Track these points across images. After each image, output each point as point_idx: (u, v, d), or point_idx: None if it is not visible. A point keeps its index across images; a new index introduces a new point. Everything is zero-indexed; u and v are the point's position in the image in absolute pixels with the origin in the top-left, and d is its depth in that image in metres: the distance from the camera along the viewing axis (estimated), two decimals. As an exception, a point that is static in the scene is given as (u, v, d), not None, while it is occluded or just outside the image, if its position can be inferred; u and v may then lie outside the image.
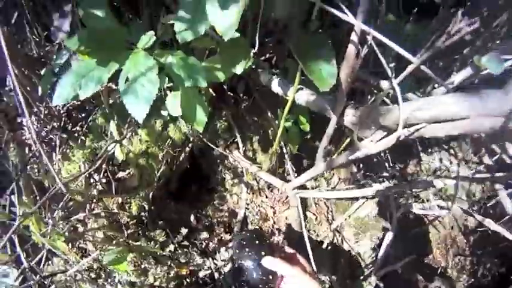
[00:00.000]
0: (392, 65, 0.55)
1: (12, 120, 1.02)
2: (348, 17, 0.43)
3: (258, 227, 0.99)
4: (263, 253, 0.66)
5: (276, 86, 0.69)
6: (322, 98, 0.58)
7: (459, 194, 1.20)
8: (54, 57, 0.80)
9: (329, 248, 0.96)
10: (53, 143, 0.96)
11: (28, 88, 0.88)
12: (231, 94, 0.89)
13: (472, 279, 1.33)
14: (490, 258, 1.38)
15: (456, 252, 1.27)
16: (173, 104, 0.65)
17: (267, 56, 0.86)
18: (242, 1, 0.43)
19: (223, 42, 0.50)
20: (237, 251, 0.68)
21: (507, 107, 0.37)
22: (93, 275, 0.97)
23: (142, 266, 0.91)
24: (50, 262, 1.02)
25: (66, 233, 0.88)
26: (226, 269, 0.95)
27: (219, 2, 0.44)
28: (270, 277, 0.65)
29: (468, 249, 1.30)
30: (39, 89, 0.84)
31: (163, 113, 0.85)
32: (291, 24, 0.62)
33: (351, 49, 0.46)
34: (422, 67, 0.45)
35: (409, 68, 0.41)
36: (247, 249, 0.67)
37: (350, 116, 0.58)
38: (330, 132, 0.60)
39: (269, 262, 0.66)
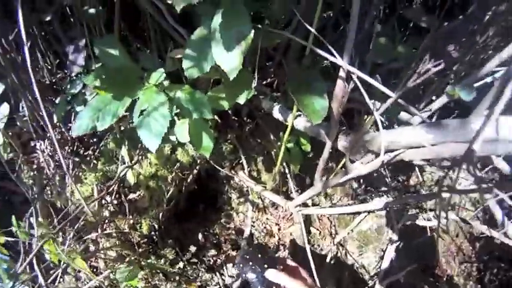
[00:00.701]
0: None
1: (26, 144, 1.08)
2: (336, 59, 0.49)
3: (262, 243, 1.04)
4: (266, 266, 0.70)
5: (276, 113, 0.74)
6: (317, 125, 0.64)
7: (463, 202, 1.23)
8: (68, 86, 0.87)
9: (333, 262, 1.00)
10: (66, 167, 1.03)
11: (40, 113, 0.95)
12: (235, 118, 0.94)
13: (479, 285, 1.35)
14: (497, 263, 1.40)
15: (462, 260, 1.29)
16: (181, 131, 0.71)
17: (268, 80, 0.92)
18: (245, 44, 0.49)
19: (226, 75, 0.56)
20: (241, 265, 0.72)
21: (464, 137, 0.42)
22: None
23: (153, 283, 0.96)
24: (61, 280, 1.07)
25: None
26: (234, 285, 1.00)
27: (224, 45, 0.50)
28: None
29: (474, 256, 1.31)
30: (54, 115, 0.91)
31: (172, 138, 0.91)
32: (287, 60, 0.68)
33: (339, 84, 0.51)
34: (400, 100, 0.50)
35: (388, 102, 0.46)
36: (250, 263, 0.71)
37: (342, 141, 0.63)
38: (326, 156, 0.66)
39: (272, 274, 0.70)
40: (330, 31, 0.80)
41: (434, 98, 0.69)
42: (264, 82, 0.90)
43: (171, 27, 0.73)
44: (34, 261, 0.97)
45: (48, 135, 0.99)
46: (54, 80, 1.04)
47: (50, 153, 1.01)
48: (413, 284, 1.23)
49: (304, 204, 0.95)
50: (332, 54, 0.48)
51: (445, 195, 0.66)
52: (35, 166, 1.03)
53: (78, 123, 0.59)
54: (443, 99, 0.59)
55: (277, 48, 0.80)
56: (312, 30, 0.53)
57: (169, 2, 0.50)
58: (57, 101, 0.88)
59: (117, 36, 0.78)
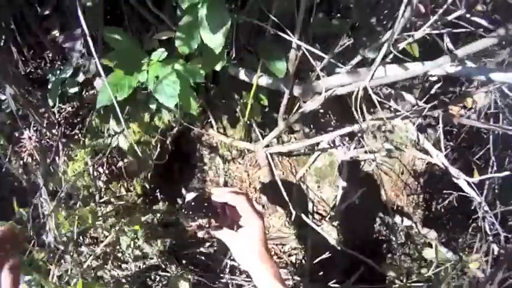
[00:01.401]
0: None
1: (9, 136, 1.32)
2: (290, 37, 0.85)
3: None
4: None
5: (243, 75, 1.11)
6: (278, 80, 1.01)
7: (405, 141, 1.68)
8: (58, 72, 1.14)
9: (296, 195, 1.42)
10: (54, 149, 1.29)
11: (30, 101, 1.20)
12: (203, 84, 1.28)
13: (427, 212, 1.82)
14: (440, 194, 1.87)
15: (409, 193, 1.72)
16: (169, 97, 1.03)
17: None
18: (225, 28, 0.83)
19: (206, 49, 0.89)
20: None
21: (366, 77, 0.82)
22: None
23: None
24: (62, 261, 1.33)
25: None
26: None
27: (211, 29, 0.83)
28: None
29: (420, 189, 1.75)
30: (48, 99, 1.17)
31: (152, 106, 1.22)
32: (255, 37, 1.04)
33: (292, 52, 0.89)
34: (332, 60, 0.89)
35: (324, 61, 0.84)
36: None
37: (297, 89, 1.01)
38: (285, 102, 1.03)
39: (216, 191, 0.88)
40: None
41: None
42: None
43: (149, 15, 1.04)
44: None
45: (33, 122, 1.24)
46: (28, 70, 1.29)
47: (37, 139, 1.27)
48: (366, 213, 1.68)
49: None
50: (287, 34, 0.85)
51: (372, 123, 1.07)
52: (23, 155, 1.28)
53: (100, 97, 0.91)
54: (358, 58, 0.99)
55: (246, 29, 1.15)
56: (271, 17, 0.89)
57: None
58: (49, 86, 1.14)
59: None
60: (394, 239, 1.65)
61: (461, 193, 1.26)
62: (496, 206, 1.42)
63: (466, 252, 1.55)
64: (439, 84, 1.26)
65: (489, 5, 0.98)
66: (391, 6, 1.12)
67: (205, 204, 0.86)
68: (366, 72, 0.81)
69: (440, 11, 0.68)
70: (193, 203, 0.86)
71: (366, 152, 1.40)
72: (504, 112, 1.45)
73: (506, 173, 1.08)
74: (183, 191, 1.39)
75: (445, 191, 1.85)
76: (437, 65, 0.76)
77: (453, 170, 1.11)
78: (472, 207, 1.53)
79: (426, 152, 1.32)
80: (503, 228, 1.38)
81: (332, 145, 1.36)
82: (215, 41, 0.86)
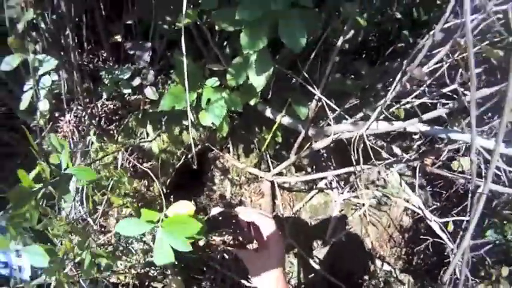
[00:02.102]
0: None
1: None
2: (314, 91, 1.28)
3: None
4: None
5: (268, 113, 1.50)
6: (298, 121, 1.42)
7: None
8: (118, 72, 1.52)
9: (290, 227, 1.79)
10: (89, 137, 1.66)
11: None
12: (231, 113, 1.69)
13: (407, 265, 2.13)
14: (423, 251, 2.14)
15: (393, 245, 2.05)
16: (207, 118, 1.42)
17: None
18: (267, 74, 1.24)
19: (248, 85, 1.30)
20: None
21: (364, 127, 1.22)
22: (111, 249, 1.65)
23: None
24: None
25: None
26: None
27: (257, 72, 1.23)
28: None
29: (403, 244, 2.08)
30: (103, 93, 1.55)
31: (184, 122, 1.62)
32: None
33: (313, 103, 1.30)
34: (342, 112, 1.31)
35: (336, 113, 1.26)
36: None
37: (311, 131, 1.41)
38: (300, 139, 1.43)
39: (242, 210, 0.99)
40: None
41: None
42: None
43: (204, 47, 1.47)
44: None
45: (75, 108, 1.61)
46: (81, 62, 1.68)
47: (75, 124, 1.64)
48: (351, 258, 2.03)
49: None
50: (313, 87, 1.28)
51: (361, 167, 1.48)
52: (58, 134, 1.65)
53: (163, 102, 1.28)
54: (361, 114, 1.42)
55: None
56: (303, 72, 1.33)
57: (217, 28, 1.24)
58: (106, 81, 1.52)
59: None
60: (373, 283, 1.99)
61: (436, 239, 1.59)
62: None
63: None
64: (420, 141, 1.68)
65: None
66: (393, 76, 1.55)
67: (233, 221, 0.96)
68: (364, 124, 1.21)
69: (418, 91, 1.12)
70: (220, 218, 0.95)
71: (357, 196, 1.79)
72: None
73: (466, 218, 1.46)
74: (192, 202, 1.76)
75: (428, 251, 2.15)
76: (410, 123, 1.17)
77: (427, 213, 1.49)
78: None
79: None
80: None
81: (329, 186, 1.76)
82: (259, 81, 1.23)
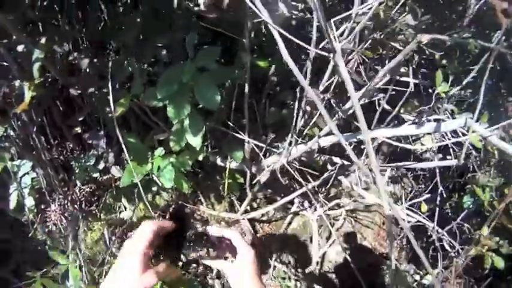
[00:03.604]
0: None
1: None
2: (242, 136, 1.55)
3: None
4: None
5: (219, 161, 1.77)
6: (241, 163, 1.70)
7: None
8: (83, 160, 1.81)
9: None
10: (75, 220, 1.94)
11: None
12: (192, 171, 1.96)
13: (410, 255, 2.30)
14: (423, 236, 2.27)
15: (393, 239, 2.19)
16: (168, 180, 1.69)
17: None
18: (201, 133, 1.50)
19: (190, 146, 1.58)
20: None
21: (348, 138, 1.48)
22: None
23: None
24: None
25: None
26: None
27: (192, 133, 1.50)
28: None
29: (402, 234, 2.23)
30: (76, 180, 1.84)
31: (154, 188, 1.89)
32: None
33: (246, 145, 1.59)
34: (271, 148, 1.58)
35: (263, 149, 1.53)
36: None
37: (254, 168, 1.69)
38: (248, 177, 1.70)
39: (213, 229, 1.16)
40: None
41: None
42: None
43: (149, 121, 1.76)
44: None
45: (57, 198, 1.90)
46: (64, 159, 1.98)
47: (61, 212, 1.92)
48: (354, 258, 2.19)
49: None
50: (240, 134, 1.56)
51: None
52: (48, 224, 1.92)
53: (122, 180, 1.55)
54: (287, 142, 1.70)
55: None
56: (231, 125, 1.61)
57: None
58: (76, 171, 1.81)
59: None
60: (381, 282, 2.16)
61: (418, 223, 1.77)
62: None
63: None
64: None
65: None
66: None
67: (205, 237, 1.15)
68: (351, 136, 1.45)
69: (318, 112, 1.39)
70: (193, 237, 1.16)
71: (337, 208, 2.02)
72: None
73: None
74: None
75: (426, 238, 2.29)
76: (317, 140, 1.43)
77: (386, 205, 1.71)
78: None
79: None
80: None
81: (302, 207, 2.02)
82: (196, 141, 1.48)
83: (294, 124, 1.35)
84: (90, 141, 1.78)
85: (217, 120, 1.70)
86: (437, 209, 1.90)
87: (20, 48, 1.47)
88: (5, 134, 1.63)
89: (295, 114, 1.34)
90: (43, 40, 1.38)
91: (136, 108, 1.69)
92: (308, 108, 1.35)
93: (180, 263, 1.98)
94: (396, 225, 2.25)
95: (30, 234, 1.91)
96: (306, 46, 0.97)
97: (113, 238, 1.89)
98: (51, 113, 1.83)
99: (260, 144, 1.54)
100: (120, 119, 1.69)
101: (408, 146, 1.50)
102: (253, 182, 1.72)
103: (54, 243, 1.98)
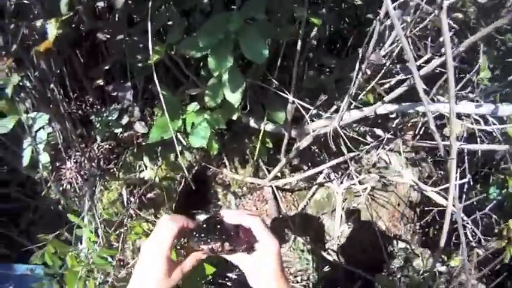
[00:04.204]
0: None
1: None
2: (287, 95, 1.44)
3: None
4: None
5: (252, 123, 1.66)
6: (280, 126, 1.58)
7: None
8: (104, 114, 1.69)
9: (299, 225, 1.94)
10: (92, 179, 1.83)
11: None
12: (219, 130, 1.85)
13: (424, 238, 2.26)
14: (437, 222, 2.21)
15: (406, 222, 2.18)
16: (195, 141, 1.58)
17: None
18: (241, 89, 1.39)
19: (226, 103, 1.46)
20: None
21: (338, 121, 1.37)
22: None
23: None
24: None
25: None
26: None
27: (231, 89, 1.39)
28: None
29: (416, 218, 2.20)
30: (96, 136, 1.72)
31: (177, 147, 1.78)
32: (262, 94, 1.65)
33: (289, 106, 1.47)
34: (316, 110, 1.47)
35: (311, 111, 1.41)
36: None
37: (294, 132, 1.57)
38: (286, 142, 1.59)
39: (227, 213, 0.94)
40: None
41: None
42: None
43: (180, 74, 1.63)
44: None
45: (73, 155, 1.79)
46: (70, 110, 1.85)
47: (77, 170, 1.81)
48: (367, 244, 2.16)
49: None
50: (285, 93, 1.44)
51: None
52: (63, 182, 1.81)
53: (151, 136, 1.44)
54: (334, 107, 1.58)
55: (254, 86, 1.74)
56: (275, 82, 1.49)
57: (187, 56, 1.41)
58: (97, 125, 1.69)
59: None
60: (394, 263, 2.10)
61: (440, 208, 1.72)
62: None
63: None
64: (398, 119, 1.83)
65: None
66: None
67: (218, 226, 0.91)
68: (335, 117, 1.38)
69: (379, 75, 1.27)
70: (204, 225, 0.92)
71: (358, 183, 1.93)
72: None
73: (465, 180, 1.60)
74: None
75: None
76: (378, 107, 1.32)
77: (422, 185, 1.63)
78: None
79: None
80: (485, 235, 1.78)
81: (328, 179, 1.91)
82: (235, 98, 1.39)
83: (352, 84, 1.22)
84: (114, 93, 1.64)
85: (254, 76, 1.57)
86: (463, 196, 1.83)
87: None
88: (20, 83, 1.48)
89: (354, 75, 1.21)
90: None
91: (168, 60, 1.56)
92: (368, 71, 1.23)
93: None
94: (411, 208, 2.20)
95: (43, 193, 1.79)
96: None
97: (132, 199, 1.78)
98: (71, 63, 1.69)
99: (307, 106, 1.42)
100: (148, 70, 1.57)
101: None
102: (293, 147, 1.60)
103: (68, 203, 1.86)
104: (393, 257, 2.14)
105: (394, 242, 2.12)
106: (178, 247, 1.38)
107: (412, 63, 0.86)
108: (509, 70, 1.70)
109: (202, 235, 0.89)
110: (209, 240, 0.88)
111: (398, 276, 2.10)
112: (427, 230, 2.33)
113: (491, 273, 2.06)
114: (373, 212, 2.10)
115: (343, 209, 1.95)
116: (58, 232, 1.60)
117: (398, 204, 2.16)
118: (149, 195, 1.80)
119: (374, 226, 2.08)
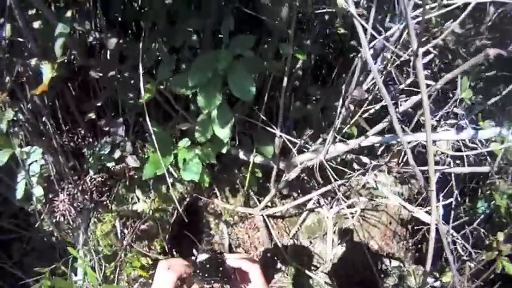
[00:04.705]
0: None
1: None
2: (274, 131, 1.47)
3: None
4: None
5: (242, 155, 1.69)
6: (268, 159, 1.61)
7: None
8: (97, 148, 1.70)
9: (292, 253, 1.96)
10: (85, 211, 1.84)
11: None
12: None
13: (417, 254, 2.27)
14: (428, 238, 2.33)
15: (399, 240, 2.19)
16: (187, 176, 1.60)
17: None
18: (230, 125, 1.42)
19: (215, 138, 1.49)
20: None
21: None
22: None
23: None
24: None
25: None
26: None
27: (220, 125, 1.41)
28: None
29: (408, 235, 2.21)
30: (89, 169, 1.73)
31: (169, 180, 1.80)
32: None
33: (276, 140, 1.50)
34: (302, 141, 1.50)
35: (297, 146, 1.45)
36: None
37: (282, 164, 1.60)
38: (274, 174, 1.61)
39: (231, 259, 0.99)
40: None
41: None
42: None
43: (171, 109, 1.66)
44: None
45: (66, 187, 1.79)
46: (75, 146, 1.87)
47: (69, 202, 1.82)
48: (359, 265, 2.17)
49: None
50: (272, 127, 1.47)
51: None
52: (56, 214, 1.81)
53: (145, 172, 1.47)
54: (320, 140, 1.61)
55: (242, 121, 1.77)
56: (262, 117, 1.52)
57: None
58: (90, 160, 1.71)
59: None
60: (388, 282, 2.12)
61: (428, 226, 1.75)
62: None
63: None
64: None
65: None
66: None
67: (220, 268, 0.96)
68: (319, 149, 1.42)
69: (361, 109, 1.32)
70: (207, 265, 0.96)
71: (347, 207, 1.96)
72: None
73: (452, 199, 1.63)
74: (194, 251, 1.93)
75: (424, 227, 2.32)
76: (361, 140, 1.36)
77: (408, 206, 1.66)
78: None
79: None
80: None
81: (318, 204, 1.95)
82: (224, 133, 1.40)
83: (337, 118, 1.26)
84: (106, 128, 1.66)
85: (242, 111, 1.61)
86: (452, 212, 1.85)
87: (37, 24, 1.35)
88: (14, 118, 1.50)
89: (338, 112, 1.25)
90: (68, 13, 1.26)
91: (158, 95, 1.59)
92: (351, 106, 1.27)
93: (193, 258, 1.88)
94: (402, 225, 2.21)
95: (36, 225, 1.80)
96: (387, 44, 0.91)
97: (126, 231, 1.79)
98: (63, 97, 1.71)
99: (294, 140, 1.46)
100: (139, 107, 1.60)
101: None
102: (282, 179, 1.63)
103: (61, 234, 1.87)
104: (387, 275, 2.16)
105: (387, 260, 2.14)
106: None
107: (389, 105, 0.90)
108: (490, 83, 1.74)
109: (206, 275, 0.94)
110: (212, 281, 0.93)
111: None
112: (419, 246, 2.35)
113: (485, 284, 2.10)
114: (364, 232, 2.12)
115: (334, 232, 1.97)
116: (54, 266, 1.60)
117: (390, 223, 2.19)
118: (143, 227, 1.81)
119: (366, 246, 2.10)
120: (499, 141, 1.28)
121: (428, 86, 1.19)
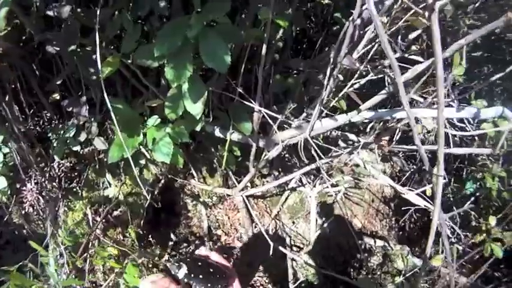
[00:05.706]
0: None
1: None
2: (253, 104, 1.33)
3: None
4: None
5: (218, 133, 1.55)
6: (246, 136, 1.48)
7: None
8: (61, 132, 1.55)
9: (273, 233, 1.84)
10: (54, 200, 1.69)
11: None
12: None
13: (401, 233, 2.21)
14: (412, 216, 2.22)
15: (382, 218, 2.13)
16: (165, 155, 1.46)
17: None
18: (203, 99, 1.28)
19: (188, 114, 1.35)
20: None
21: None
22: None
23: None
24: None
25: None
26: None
27: (192, 100, 1.28)
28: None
29: (392, 213, 2.15)
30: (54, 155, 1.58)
31: (141, 161, 1.66)
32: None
33: (255, 114, 1.36)
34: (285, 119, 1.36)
35: (279, 120, 1.31)
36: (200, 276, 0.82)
37: (261, 142, 1.47)
38: (253, 152, 1.48)
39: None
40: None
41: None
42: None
43: (138, 84, 1.51)
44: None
45: (34, 175, 1.65)
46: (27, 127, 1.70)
47: (38, 191, 1.67)
48: (344, 243, 2.08)
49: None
50: (250, 102, 1.33)
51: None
52: (25, 205, 1.67)
53: (111, 155, 1.32)
54: (304, 115, 1.48)
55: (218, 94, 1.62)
56: (240, 90, 1.38)
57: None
58: (54, 144, 1.55)
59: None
60: (372, 261, 2.05)
61: (417, 206, 1.67)
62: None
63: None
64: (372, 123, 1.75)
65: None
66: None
67: (210, 269, 0.87)
68: (305, 125, 1.28)
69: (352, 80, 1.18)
70: (196, 275, 0.84)
71: (331, 185, 1.85)
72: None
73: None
74: (172, 235, 1.81)
75: (418, 213, 2.24)
76: (353, 116, 1.24)
77: (398, 187, 1.55)
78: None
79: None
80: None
81: (300, 184, 1.82)
82: (196, 108, 1.28)
83: (324, 90, 1.13)
84: (69, 109, 1.51)
85: (217, 84, 1.46)
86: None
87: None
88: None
89: (325, 83, 1.11)
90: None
91: (124, 69, 1.44)
92: (341, 77, 1.13)
93: (171, 243, 1.76)
94: (385, 203, 2.14)
95: (5, 218, 1.66)
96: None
97: (97, 218, 1.65)
98: (25, 78, 1.56)
99: (274, 115, 1.31)
100: (104, 82, 1.45)
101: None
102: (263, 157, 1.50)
103: (32, 226, 1.72)
104: (372, 255, 2.08)
105: (372, 239, 2.05)
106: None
107: (397, 73, 0.76)
108: (476, 65, 1.65)
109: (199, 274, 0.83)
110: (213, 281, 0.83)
111: (378, 273, 2.04)
112: (403, 224, 2.27)
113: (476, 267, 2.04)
114: (347, 210, 2.03)
115: (317, 212, 1.86)
116: (20, 263, 1.47)
117: (373, 201, 2.11)
118: (115, 213, 1.67)
119: (349, 224, 2.02)
120: (501, 121, 1.20)
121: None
